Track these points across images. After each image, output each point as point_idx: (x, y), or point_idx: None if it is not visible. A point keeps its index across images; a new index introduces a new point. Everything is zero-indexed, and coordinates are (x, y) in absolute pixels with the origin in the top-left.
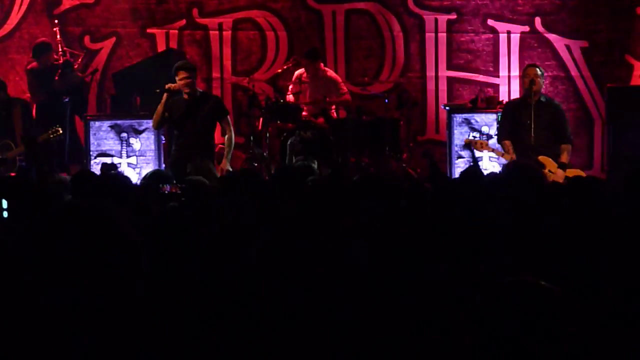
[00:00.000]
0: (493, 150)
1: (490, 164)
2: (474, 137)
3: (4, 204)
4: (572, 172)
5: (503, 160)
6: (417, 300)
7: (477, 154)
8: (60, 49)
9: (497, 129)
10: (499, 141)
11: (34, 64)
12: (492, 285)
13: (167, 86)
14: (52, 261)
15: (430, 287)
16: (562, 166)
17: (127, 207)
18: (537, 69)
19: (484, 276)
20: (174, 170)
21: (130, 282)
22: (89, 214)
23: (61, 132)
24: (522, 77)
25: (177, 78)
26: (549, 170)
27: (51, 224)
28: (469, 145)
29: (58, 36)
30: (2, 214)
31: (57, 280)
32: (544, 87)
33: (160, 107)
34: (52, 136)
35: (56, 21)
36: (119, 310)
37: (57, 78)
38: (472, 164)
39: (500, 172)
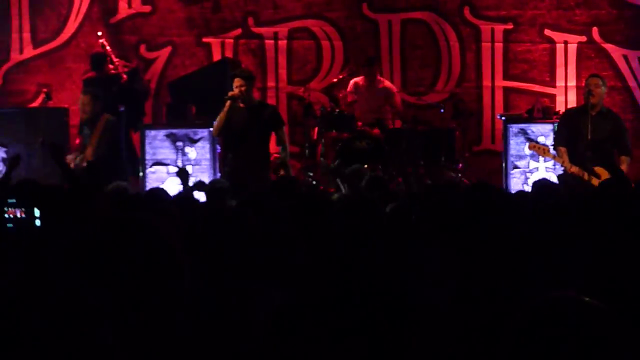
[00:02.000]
0: (554, 158)
1: (547, 174)
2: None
3: (37, 212)
4: None
5: (560, 169)
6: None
7: (532, 164)
8: (114, 60)
9: (554, 135)
10: (555, 147)
11: (91, 73)
12: (535, 300)
13: (230, 94)
14: (98, 273)
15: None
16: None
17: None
18: (599, 80)
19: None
20: (233, 180)
21: (172, 292)
22: (131, 226)
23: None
24: (584, 86)
25: (233, 85)
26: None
27: (95, 237)
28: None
29: (107, 47)
30: (35, 222)
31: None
32: (604, 97)
33: (222, 115)
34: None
35: (100, 33)
36: (162, 320)
37: (123, 85)
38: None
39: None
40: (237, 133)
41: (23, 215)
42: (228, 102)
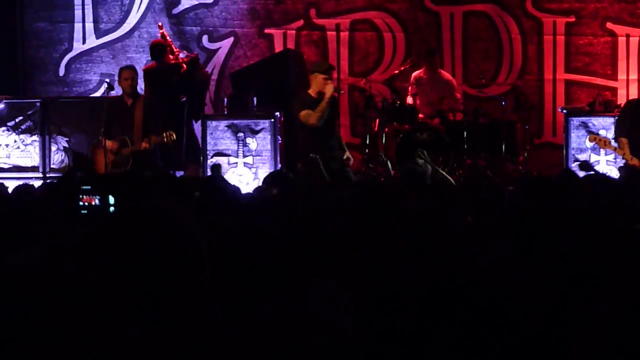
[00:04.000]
0: (615, 150)
1: (607, 167)
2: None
3: (111, 199)
4: None
5: (621, 162)
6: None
7: (594, 157)
8: (174, 50)
9: (615, 125)
10: (615, 138)
11: (152, 64)
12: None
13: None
14: (116, 262)
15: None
16: None
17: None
18: None
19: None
20: (327, 168)
21: (194, 281)
22: (149, 215)
23: (175, 138)
24: None
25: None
26: None
27: (113, 227)
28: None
29: (168, 38)
30: (109, 209)
31: (121, 279)
32: None
33: (326, 106)
34: (165, 141)
35: (160, 24)
36: (183, 311)
37: (182, 74)
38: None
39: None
40: (327, 123)
41: (97, 203)
42: (332, 96)
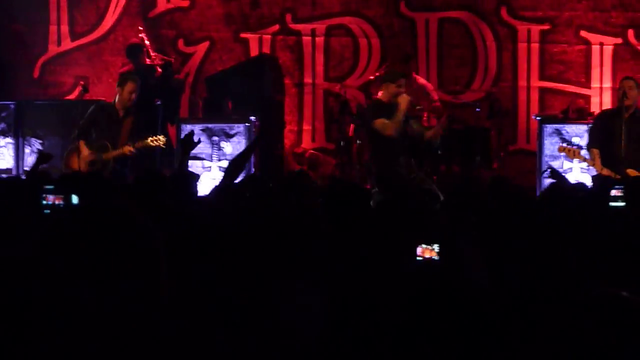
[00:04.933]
0: (585, 160)
1: (581, 175)
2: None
3: (75, 199)
4: None
5: (593, 171)
6: None
7: (567, 164)
8: (151, 54)
9: (588, 136)
10: (588, 148)
11: (128, 66)
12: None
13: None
14: (73, 259)
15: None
16: None
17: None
18: (633, 82)
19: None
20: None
21: (152, 279)
22: (105, 214)
23: (164, 141)
24: (618, 88)
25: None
26: None
27: (69, 225)
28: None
29: (146, 41)
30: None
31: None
32: (638, 100)
33: (402, 117)
34: (152, 144)
35: (141, 27)
36: (141, 307)
37: (157, 78)
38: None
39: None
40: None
41: (60, 202)
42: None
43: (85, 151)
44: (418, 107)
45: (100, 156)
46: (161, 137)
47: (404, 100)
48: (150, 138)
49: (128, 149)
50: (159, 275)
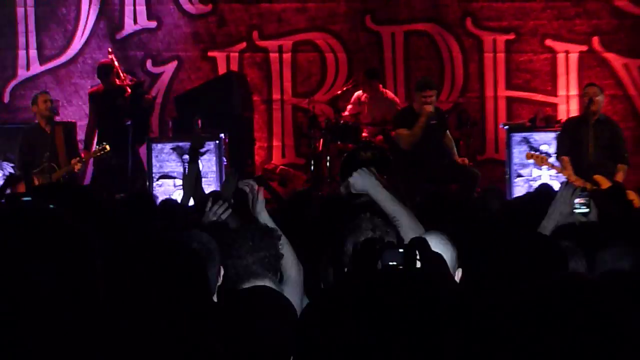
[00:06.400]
0: (553, 167)
1: (551, 182)
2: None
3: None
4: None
5: (563, 178)
6: None
7: (535, 172)
8: (121, 74)
9: (557, 144)
10: (557, 157)
11: (97, 87)
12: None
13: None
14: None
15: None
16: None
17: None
18: (597, 88)
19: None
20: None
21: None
22: (34, 214)
23: (108, 149)
24: (582, 96)
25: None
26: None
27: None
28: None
29: (115, 62)
30: None
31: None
32: (603, 105)
33: (419, 130)
34: (99, 154)
35: (110, 49)
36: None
37: (126, 98)
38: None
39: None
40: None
41: None
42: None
43: (35, 180)
44: (432, 122)
45: (49, 178)
46: (105, 145)
47: (424, 112)
48: (97, 148)
49: (76, 164)
50: (93, 275)
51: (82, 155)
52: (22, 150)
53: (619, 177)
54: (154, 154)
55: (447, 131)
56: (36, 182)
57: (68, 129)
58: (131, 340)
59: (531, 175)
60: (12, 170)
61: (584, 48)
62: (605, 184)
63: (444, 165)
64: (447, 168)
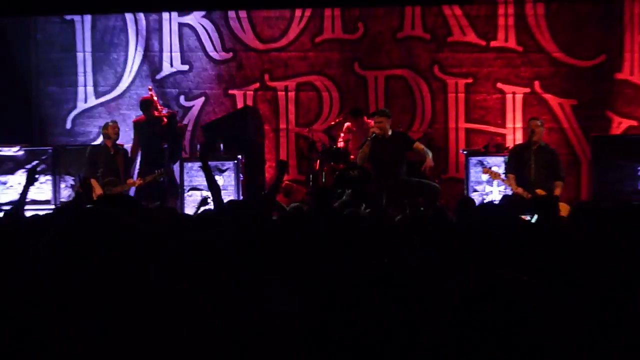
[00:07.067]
0: (504, 181)
1: (499, 196)
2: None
3: None
4: (563, 206)
5: (509, 191)
6: None
7: (488, 188)
8: (159, 107)
9: (505, 165)
10: (505, 174)
11: (140, 117)
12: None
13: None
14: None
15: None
16: (556, 198)
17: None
18: (538, 121)
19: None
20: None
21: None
22: (96, 217)
23: (162, 173)
24: (526, 127)
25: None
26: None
27: (69, 226)
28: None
29: (155, 97)
30: None
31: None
32: (543, 135)
33: (366, 149)
34: (157, 178)
35: (150, 87)
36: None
37: (163, 126)
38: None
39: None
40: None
41: None
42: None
43: (97, 188)
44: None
45: (110, 190)
46: (162, 171)
47: (370, 133)
48: (156, 172)
49: (138, 182)
50: (145, 267)
51: (139, 177)
52: (90, 165)
53: (557, 192)
54: (185, 171)
55: (414, 144)
56: (98, 191)
57: (126, 153)
58: (176, 311)
59: (484, 191)
60: (72, 182)
61: (527, 90)
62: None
63: (409, 181)
64: (413, 184)
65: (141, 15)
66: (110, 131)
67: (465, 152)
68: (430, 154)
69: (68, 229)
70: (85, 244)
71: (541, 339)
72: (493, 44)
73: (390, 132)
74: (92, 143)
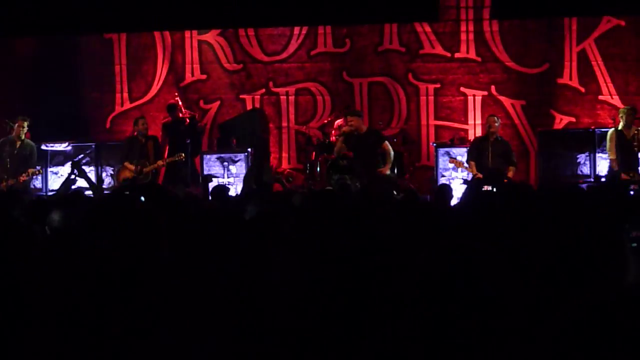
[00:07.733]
0: (466, 168)
1: (461, 187)
2: (455, 159)
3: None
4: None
5: (471, 175)
6: None
7: (453, 174)
8: (183, 110)
9: (467, 154)
10: (467, 161)
11: (167, 119)
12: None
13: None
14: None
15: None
16: (501, 171)
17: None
18: (495, 118)
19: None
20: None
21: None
22: (120, 204)
23: (183, 157)
24: (485, 123)
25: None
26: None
27: (94, 212)
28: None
29: (179, 102)
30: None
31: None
32: (499, 130)
33: (339, 144)
34: (177, 159)
35: (176, 93)
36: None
37: (186, 126)
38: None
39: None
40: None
41: None
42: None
43: (130, 167)
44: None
45: (141, 170)
46: (182, 154)
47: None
48: (176, 155)
49: (160, 163)
50: (160, 239)
51: (165, 158)
52: (126, 151)
53: (509, 174)
54: (204, 162)
55: (383, 143)
56: (128, 173)
57: (157, 140)
58: (190, 286)
59: (451, 176)
60: (112, 172)
61: (485, 93)
62: None
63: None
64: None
65: (167, 34)
66: (141, 126)
67: (434, 145)
68: (390, 160)
69: (98, 207)
70: (109, 220)
71: (503, 303)
72: (457, 55)
73: (365, 129)
74: None
